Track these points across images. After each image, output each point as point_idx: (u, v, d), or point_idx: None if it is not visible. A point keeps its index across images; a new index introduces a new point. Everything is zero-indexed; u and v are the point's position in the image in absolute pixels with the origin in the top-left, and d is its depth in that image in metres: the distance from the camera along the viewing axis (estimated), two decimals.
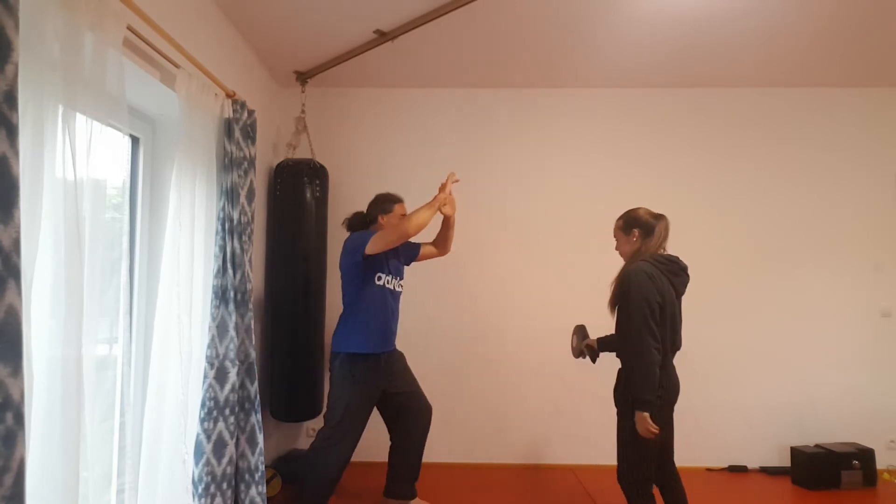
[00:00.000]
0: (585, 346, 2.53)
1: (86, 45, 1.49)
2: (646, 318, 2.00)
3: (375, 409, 2.65)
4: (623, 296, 2.09)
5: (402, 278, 2.74)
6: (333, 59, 3.27)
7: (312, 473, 2.49)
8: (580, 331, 2.59)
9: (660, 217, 2.22)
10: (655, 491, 2.13)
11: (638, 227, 2.22)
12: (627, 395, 2.07)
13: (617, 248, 2.33)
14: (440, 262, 3.64)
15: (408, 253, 2.80)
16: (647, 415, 1.97)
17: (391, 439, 2.75)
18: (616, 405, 2.18)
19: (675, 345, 2.17)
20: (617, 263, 2.29)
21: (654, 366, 1.98)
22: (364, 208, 3.77)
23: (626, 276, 2.10)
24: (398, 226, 2.47)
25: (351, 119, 3.74)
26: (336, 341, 2.59)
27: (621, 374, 2.20)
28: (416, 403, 2.71)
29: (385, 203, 2.69)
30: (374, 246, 2.45)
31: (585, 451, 3.58)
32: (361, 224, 2.75)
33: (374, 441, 2.96)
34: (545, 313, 3.63)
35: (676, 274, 2.15)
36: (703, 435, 3.55)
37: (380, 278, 2.59)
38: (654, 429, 1.97)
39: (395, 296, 2.68)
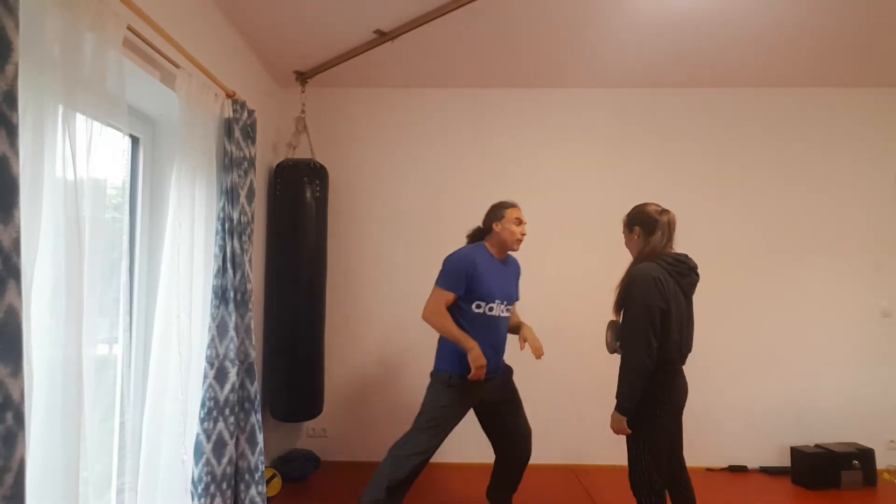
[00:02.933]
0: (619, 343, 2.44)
1: (86, 45, 1.49)
2: (644, 326, 1.93)
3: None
4: (627, 299, 2.02)
5: (510, 303, 2.57)
6: (333, 59, 3.27)
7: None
8: (613, 326, 2.43)
9: (664, 212, 2.10)
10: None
11: (639, 225, 2.13)
12: (639, 404, 2.01)
13: (626, 245, 2.26)
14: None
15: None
16: (623, 418, 2.00)
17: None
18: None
19: (684, 350, 2.09)
20: (619, 263, 2.25)
21: (641, 378, 1.95)
22: (364, 208, 3.79)
23: (629, 279, 2.02)
24: (434, 314, 2.42)
25: (351, 119, 3.74)
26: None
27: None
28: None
29: (498, 210, 2.56)
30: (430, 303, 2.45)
31: (585, 452, 3.58)
32: (480, 236, 2.63)
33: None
34: (545, 313, 3.62)
35: (684, 274, 2.05)
36: (703, 435, 3.55)
37: (479, 306, 2.44)
38: (626, 431, 2.01)
39: (499, 322, 2.52)
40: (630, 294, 2.00)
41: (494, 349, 2.49)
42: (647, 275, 1.97)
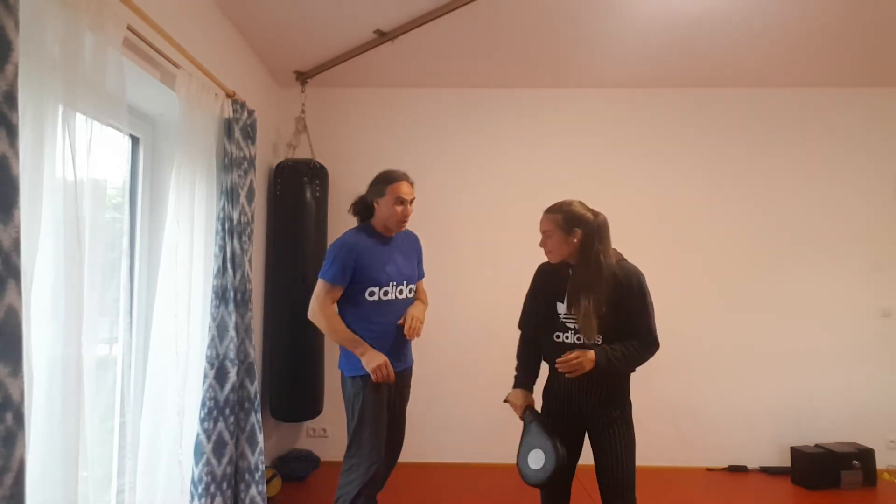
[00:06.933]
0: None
1: (86, 45, 1.49)
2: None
3: None
4: (629, 294, 1.93)
5: (411, 282, 2.32)
6: (333, 59, 3.27)
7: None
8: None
9: (598, 214, 1.97)
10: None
11: (580, 227, 1.92)
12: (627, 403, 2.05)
13: (545, 245, 2.01)
14: (441, 262, 3.65)
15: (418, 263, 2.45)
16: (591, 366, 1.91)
17: None
18: (615, 415, 2.05)
19: None
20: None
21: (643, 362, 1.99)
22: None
23: (633, 276, 1.94)
24: (320, 314, 2.16)
25: (351, 119, 3.74)
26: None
27: (610, 383, 2.02)
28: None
29: (380, 184, 2.23)
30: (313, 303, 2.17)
31: (585, 452, 3.57)
32: (366, 211, 2.31)
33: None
34: None
35: None
36: (703, 435, 3.55)
37: (372, 293, 2.18)
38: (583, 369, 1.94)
39: (399, 305, 2.25)
40: (641, 291, 1.94)
41: (396, 337, 2.22)
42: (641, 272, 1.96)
